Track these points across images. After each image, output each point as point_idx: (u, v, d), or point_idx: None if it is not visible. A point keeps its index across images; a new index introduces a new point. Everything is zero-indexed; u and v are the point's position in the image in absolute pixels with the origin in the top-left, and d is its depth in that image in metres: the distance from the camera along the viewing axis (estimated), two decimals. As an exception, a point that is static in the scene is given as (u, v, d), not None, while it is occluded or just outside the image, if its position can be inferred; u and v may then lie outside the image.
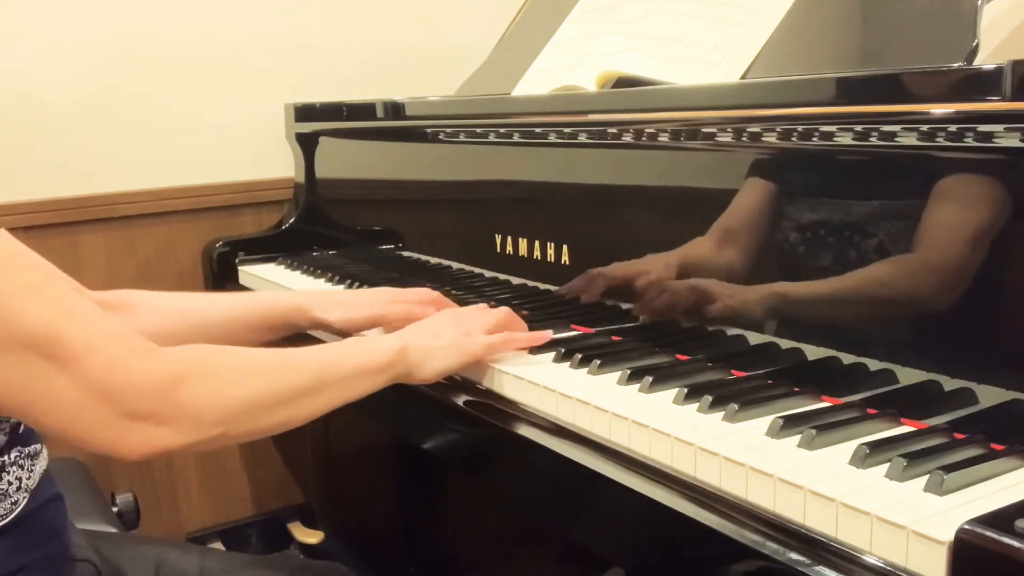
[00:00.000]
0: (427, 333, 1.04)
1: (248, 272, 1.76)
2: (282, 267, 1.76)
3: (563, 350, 1.05)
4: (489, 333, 1.05)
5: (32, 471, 0.91)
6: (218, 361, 0.87)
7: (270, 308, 1.24)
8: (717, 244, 1.02)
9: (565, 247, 1.20)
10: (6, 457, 0.88)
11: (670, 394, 0.91)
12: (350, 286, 1.51)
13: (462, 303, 1.33)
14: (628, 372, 0.96)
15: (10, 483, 0.88)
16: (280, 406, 0.89)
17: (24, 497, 0.89)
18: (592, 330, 1.15)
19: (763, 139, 0.94)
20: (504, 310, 1.10)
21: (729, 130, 0.98)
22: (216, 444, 0.85)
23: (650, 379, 0.93)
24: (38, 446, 0.94)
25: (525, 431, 0.96)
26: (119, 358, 0.79)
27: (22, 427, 0.92)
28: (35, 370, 0.76)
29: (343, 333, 1.21)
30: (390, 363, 0.98)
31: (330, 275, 1.60)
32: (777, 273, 0.95)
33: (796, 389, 0.89)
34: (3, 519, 0.87)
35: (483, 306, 1.14)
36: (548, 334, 1.09)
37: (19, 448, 0.90)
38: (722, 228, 1.01)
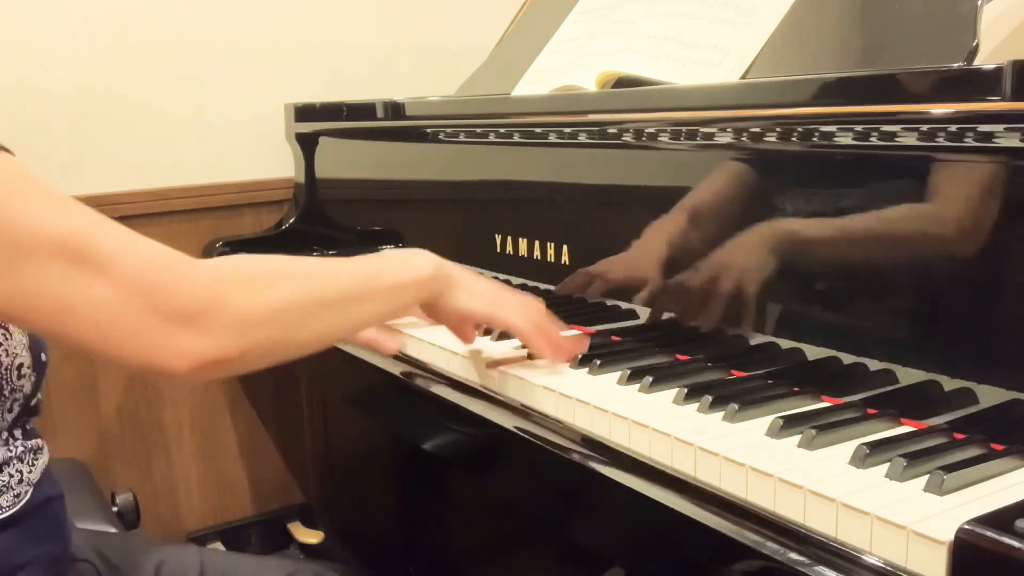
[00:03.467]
0: (464, 275, 1.00)
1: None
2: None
3: (563, 350, 1.05)
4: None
5: (34, 466, 0.92)
6: (259, 265, 0.83)
7: None
8: (714, 242, 1.02)
9: (565, 247, 1.20)
10: (11, 450, 0.89)
11: (670, 394, 0.91)
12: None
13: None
14: (628, 372, 0.96)
15: (11, 475, 0.89)
16: (323, 310, 0.84)
17: (27, 491, 0.91)
18: (592, 330, 1.15)
19: (763, 139, 0.95)
20: (538, 309, 1.03)
21: (729, 130, 0.98)
22: (263, 359, 0.79)
23: (650, 379, 0.93)
24: (40, 441, 0.95)
25: (526, 431, 0.96)
26: (157, 259, 0.74)
27: (29, 424, 0.93)
28: (68, 277, 0.70)
29: None
30: (428, 278, 0.95)
31: (330, 275, 1.59)
32: (776, 272, 0.95)
33: (796, 389, 0.89)
34: (7, 511, 0.88)
35: (538, 304, 1.06)
36: (584, 343, 1.05)
37: (23, 442, 0.91)
38: (718, 225, 1.01)
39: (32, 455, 0.92)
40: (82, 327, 0.72)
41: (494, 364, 1.05)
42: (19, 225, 0.70)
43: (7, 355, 0.89)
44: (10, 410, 0.90)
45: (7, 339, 0.89)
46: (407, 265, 0.95)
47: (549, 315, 1.04)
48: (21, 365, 0.91)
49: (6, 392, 0.89)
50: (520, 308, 1.01)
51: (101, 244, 0.72)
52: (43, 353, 0.95)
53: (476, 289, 0.99)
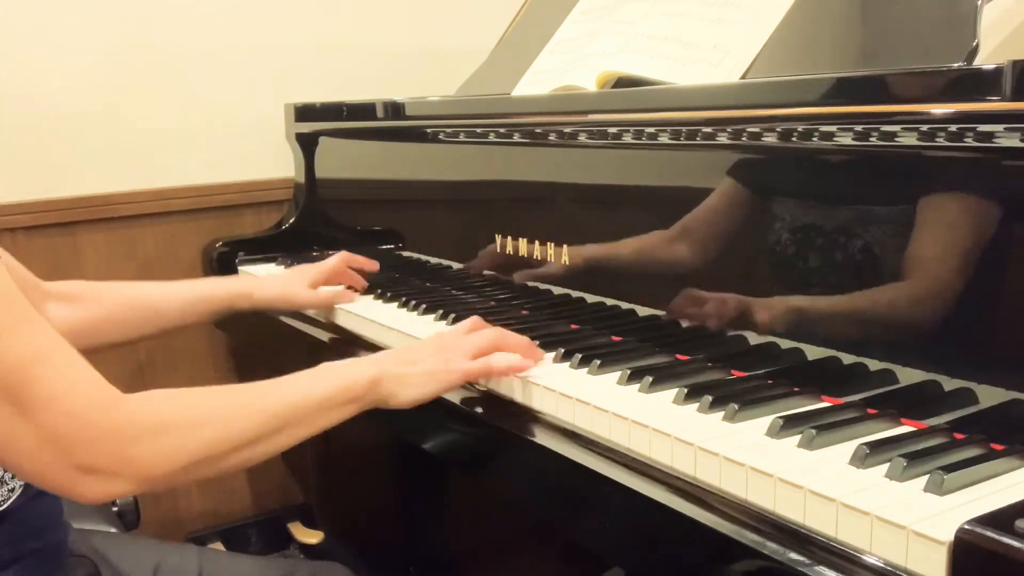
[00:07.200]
0: (405, 360, 1.00)
1: (248, 272, 1.76)
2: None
3: (563, 350, 1.05)
4: (473, 357, 1.01)
5: None
6: (177, 413, 0.85)
7: (215, 297, 1.35)
8: (716, 244, 1.02)
9: (565, 247, 1.20)
10: None
11: (670, 394, 0.91)
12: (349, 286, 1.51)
13: (462, 303, 1.33)
14: (628, 372, 0.96)
15: (6, 470, 0.89)
16: (238, 451, 0.88)
17: (20, 485, 0.91)
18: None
19: (763, 139, 0.94)
20: (494, 332, 1.04)
21: (729, 130, 0.98)
22: (169, 487, 0.87)
23: (650, 379, 0.93)
24: None
25: (525, 431, 0.96)
26: (80, 411, 0.79)
27: None
28: None
29: (281, 310, 1.43)
30: (361, 393, 0.95)
31: (330, 275, 1.59)
32: (778, 273, 0.95)
33: (796, 389, 0.89)
34: (1, 506, 0.88)
35: (475, 321, 1.08)
36: (540, 355, 1.04)
37: None
38: (721, 228, 1.01)
39: None
40: (1, 453, 0.79)
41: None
42: None
43: None
44: None
45: None
46: (337, 383, 0.95)
47: (500, 337, 1.03)
48: None
49: None
50: (464, 358, 1.00)
51: (36, 386, 0.77)
52: None
53: (418, 373, 0.98)
